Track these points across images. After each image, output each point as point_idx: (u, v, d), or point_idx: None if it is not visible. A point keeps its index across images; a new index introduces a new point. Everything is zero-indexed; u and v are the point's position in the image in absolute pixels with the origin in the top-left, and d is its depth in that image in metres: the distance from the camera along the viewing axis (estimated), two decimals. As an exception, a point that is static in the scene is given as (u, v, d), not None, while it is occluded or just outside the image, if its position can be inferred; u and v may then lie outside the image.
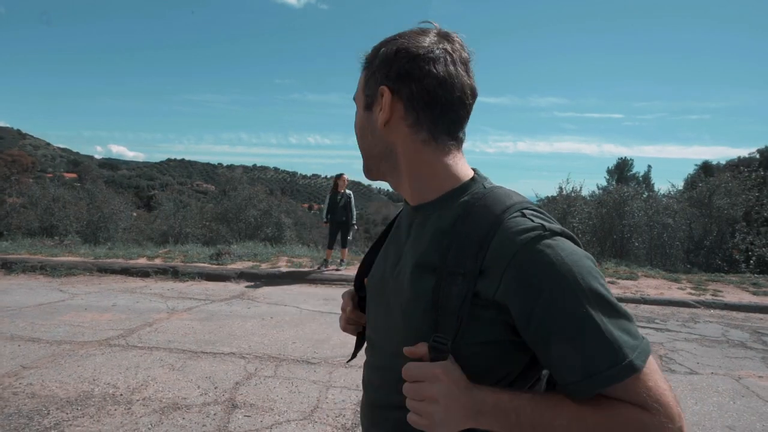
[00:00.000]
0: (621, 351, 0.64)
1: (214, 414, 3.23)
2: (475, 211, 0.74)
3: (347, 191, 8.54)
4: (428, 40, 0.76)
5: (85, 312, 5.65)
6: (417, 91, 0.76)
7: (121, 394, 3.48)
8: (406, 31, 0.80)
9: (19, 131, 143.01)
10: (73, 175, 59.79)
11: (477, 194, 0.77)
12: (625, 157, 31.69)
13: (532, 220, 0.70)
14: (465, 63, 0.78)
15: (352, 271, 8.16)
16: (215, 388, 3.64)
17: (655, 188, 18.51)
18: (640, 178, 27.61)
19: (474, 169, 0.84)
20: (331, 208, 8.44)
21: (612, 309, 0.66)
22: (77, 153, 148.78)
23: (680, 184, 14.63)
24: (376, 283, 0.89)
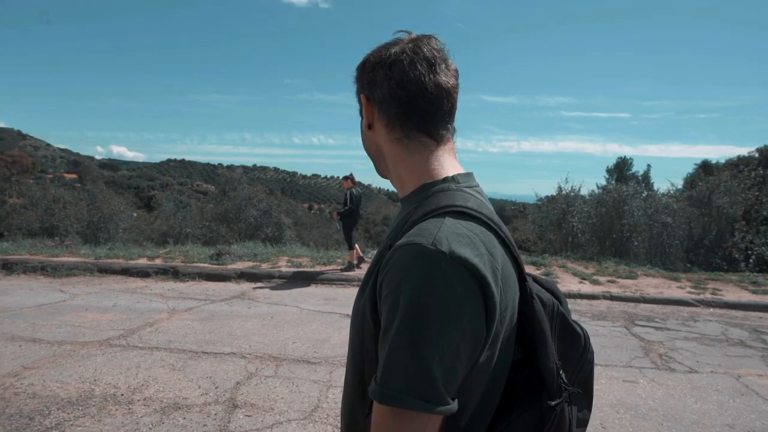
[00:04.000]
0: (392, 378, 0.64)
1: (215, 414, 3.24)
2: (421, 204, 0.78)
3: (352, 190, 8.51)
4: (393, 49, 0.83)
5: (86, 312, 5.66)
6: (382, 94, 0.83)
7: (122, 394, 3.48)
8: (379, 45, 0.87)
9: (19, 132, 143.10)
10: (74, 176, 59.81)
11: (435, 190, 0.80)
12: (625, 156, 31.64)
13: (438, 228, 0.69)
14: (429, 61, 0.81)
15: (352, 273, 8.16)
16: (216, 387, 3.65)
17: (655, 187, 18.51)
18: (640, 178, 27.57)
19: (465, 173, 0.85)
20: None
21: (417, 351, 0.63)
22: (77, 153, 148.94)
23: (680, 183, 14.63)
24: None
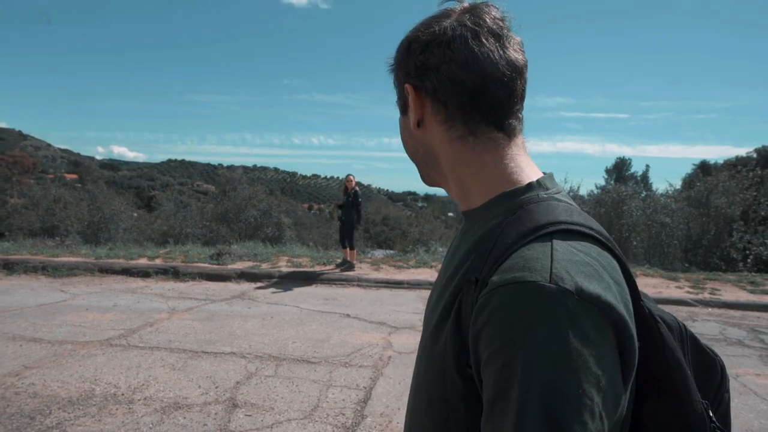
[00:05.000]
0: None
1: (215, 413, 3.26)
2: (512, 220, 0.61)
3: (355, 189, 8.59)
4: (444, 23, 0.66)
5: (87, 312, 5.68)
6: (438, 82, 0.66)
7: (123, 394, 3.50)
8: (423, 20, 0.71)
9: (20, 132, 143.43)
10: (74, 176, 59.99)
11: (524, 201, 0.63)
12: (624, 157, 31.64)
13: (549, 257, 0.53)
14: (495, 34, 0.65)
15: (353, 273, 8.18)
16: (216, 387, 3.67)
17: (653, 188, 18.55)
18: (638, 178, 27.59)
19: (547, 174, 0.70)
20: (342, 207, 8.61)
21: (566, 420, 0.46)
22: (78, 154, 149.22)
23: (678, 184, 14.68)
24: (428, 304, 0.76)
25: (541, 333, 0.48)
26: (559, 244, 0.55)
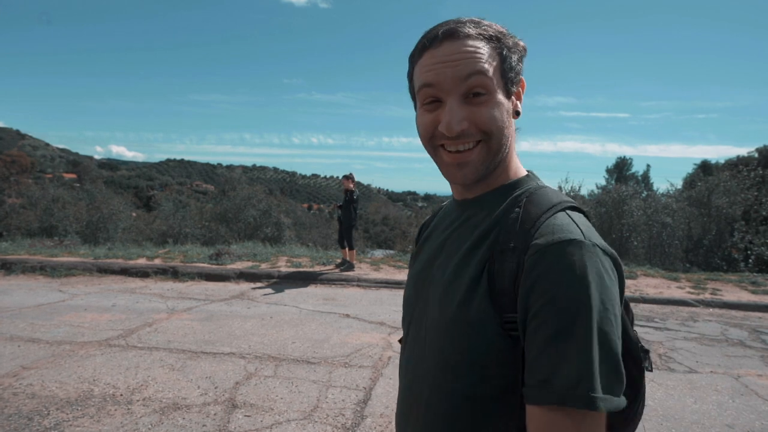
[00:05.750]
0: (592, 381, 0.60)
1: (214, 414, 3.24)
2: (528, 201, 0.74)
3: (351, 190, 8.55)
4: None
5: (85, 312, 5.66)
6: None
7: (121, 395, 3.48)
8: (476, 18, 0.77)
9: (18, 132, 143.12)
10: (73, 176, 59.88)
11: (532, 188, 0.78)
12: (624, 157, 31.55)
13: (573, 223, 0.69)
14: None
15: (353, 273, 8.16)
16: (215, 388, 3.65)
17: (654, 187, 18.52)
18: (639, 178, 27.54)
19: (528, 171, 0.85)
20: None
21: (609, 348, 0.62)
22: (76, 153, 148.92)
23: (679, 184, 14.66)
24: (417, 275, 0.87)
25: (590, 275, 0.63)
26: (573, 215, 0.72)
